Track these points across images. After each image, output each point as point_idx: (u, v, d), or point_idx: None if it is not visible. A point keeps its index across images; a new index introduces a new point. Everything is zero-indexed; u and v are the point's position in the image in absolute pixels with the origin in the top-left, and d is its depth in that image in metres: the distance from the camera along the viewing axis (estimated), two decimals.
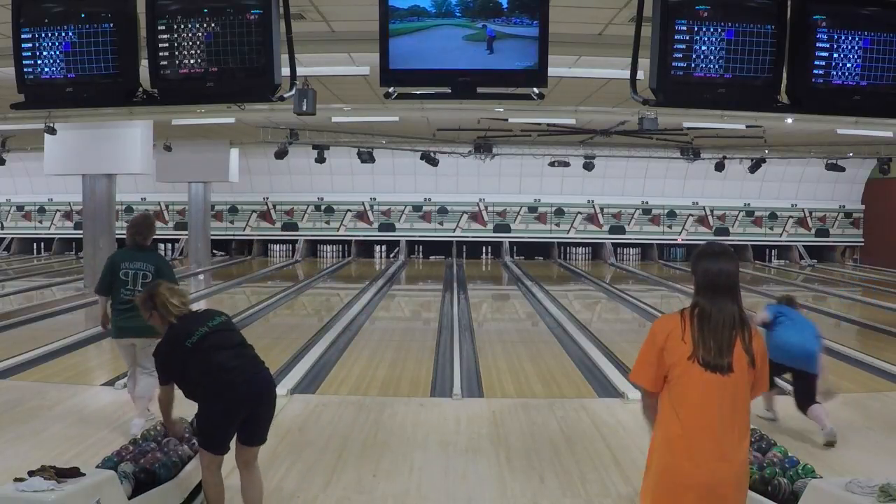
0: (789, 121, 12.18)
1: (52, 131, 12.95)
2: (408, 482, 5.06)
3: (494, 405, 6.94)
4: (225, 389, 3.90)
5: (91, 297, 13.84)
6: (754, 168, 19.89)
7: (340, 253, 24.26)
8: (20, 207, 24.58)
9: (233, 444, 4.10)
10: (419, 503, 4.78)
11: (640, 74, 4.56)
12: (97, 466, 4.08)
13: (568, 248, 24.40)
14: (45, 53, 4.68)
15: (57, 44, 4.65)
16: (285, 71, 4.62)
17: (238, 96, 5.00)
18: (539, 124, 15.64)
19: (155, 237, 6.15)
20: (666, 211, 23.81)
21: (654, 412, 2.98)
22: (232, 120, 14.13)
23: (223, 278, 17.97)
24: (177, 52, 4.56)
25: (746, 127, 14.45)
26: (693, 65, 4.41)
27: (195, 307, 4.33)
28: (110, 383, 7.46)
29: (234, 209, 23.94)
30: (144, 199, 23.74)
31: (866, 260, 23.87)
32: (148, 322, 4.33)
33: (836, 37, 4.48)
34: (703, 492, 2.81)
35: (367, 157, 18.73)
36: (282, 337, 10.37)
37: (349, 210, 23.80)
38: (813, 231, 24.11)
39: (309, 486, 4.91)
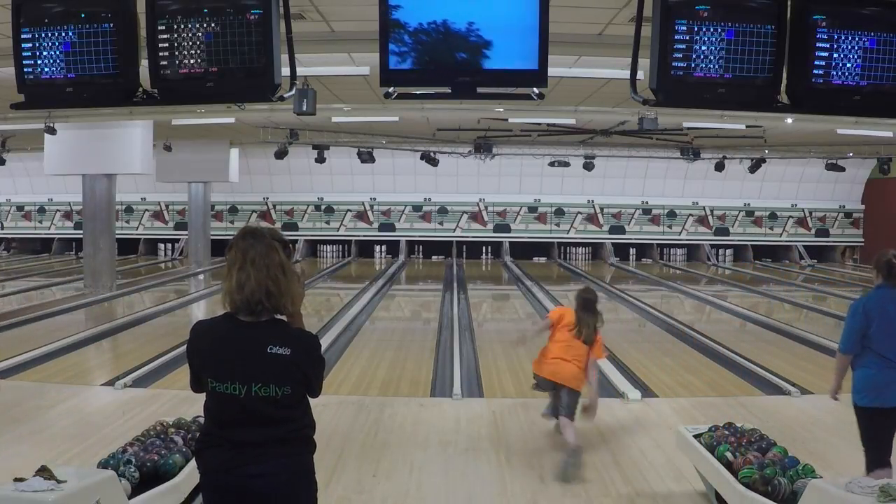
0: (789, 121, 12.18)
1: (52, 131, 12.94)
2: (408, 482, 5.07)
3: (494, 405, 6.94)
4: None
5: (91, 296, 13.90)
6: (754, 168, 19.87)
7: (340, 253, 24.24)
8: (20, 207, 24.55)
9: None
10: (419, 503, 4.78)
11: (640, 74, 4.56)
12: (98, 466, 4.07)
13: (568, 248, 24.39)
14: (44, 53, 4.67)
15: (57, 44, 4.64)
16: (285, 71, 4.61)
17: (238, 96, 4.99)
18: (539, 124, 15.63)
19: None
20: (666, 211, 23.80)
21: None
22: (232, 120, 14.12)
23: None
24: (177, 52, 4.55)
25: (746, 127, 14.45)
26: (693, 65, 4.40)
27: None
28: (110, 383, 7.46)
29: (234, 209, 23.92)
30: (144, 199, 23.72)
31: (866, 260, 23.85)
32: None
33: (836, 37, 4.47)
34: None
35: (367, 157, 18.72)
36: None
37: (349, 210, 23.78)
38: (813, 231, 24.09)
39: None
